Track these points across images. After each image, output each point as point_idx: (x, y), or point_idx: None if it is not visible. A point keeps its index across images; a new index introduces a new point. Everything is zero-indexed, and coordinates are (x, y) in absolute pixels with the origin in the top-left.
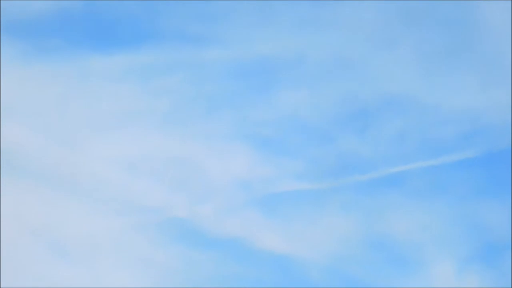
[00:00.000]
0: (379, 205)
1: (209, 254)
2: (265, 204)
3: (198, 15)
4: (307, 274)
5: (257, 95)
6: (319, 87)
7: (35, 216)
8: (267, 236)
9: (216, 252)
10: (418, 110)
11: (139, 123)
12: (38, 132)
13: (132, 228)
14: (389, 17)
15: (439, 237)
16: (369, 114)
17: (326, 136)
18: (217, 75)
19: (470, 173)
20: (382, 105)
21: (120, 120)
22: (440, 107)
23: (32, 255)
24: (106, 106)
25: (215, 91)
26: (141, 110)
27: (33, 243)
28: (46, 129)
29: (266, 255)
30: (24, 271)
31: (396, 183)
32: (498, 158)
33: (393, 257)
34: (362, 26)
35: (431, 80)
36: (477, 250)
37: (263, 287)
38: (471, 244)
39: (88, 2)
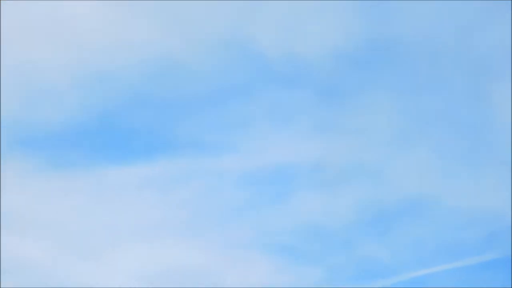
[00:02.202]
0: None
1: None
2: None
3: (214, 124)
4: None
5: (275, 203)
6: (336, 192)
7: None
8: None
9: None
10: (439, 212)
11: (156, 234)
12: (55, 246)
13: None
14: (406, 121)
15: None
16: (388, 218)
17: (346, 242)
18: (234, 183)
19: (494, 274)
20: (401, 209)
21: (137, 232)
22: (460, 208)
23: None
24: (123, 218)
25: (232, 200)
26: (158, 221)
27: None
28: (62, 243)
29: None
30: None
31: (427, 284)
32: None
33: None
34: (379, 130)
35: (450, 181)
36: None
37: None
38: None
39: (104, 115)
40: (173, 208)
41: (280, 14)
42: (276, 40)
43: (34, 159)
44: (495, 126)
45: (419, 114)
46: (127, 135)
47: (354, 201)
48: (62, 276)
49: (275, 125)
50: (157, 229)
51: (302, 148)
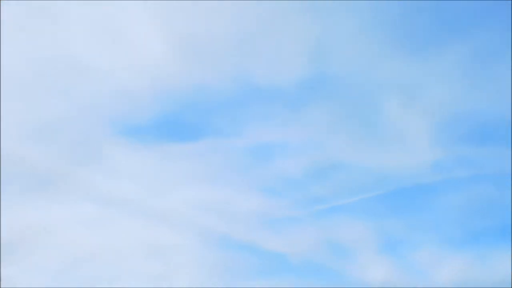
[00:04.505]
0: (333, 222)
1: (239, 253)
2: (271, 224)
3: (228, 120)
4: (290, 263)
5: (263, 164)
6: (298, 157)
7: (140, 237)
8: (271, 241)
9: (243, 252)
10: (351, 168)
11: (199, 179)
12: (142, 186)
13: (199, 240)
14: (332, 122)
15: (366, 241)
16: (324, 172)
17: (302, 185)
18: (240, 153)
19: (383, 203)
20: (332, 168)
21: (189, 179)
22: (365, 168)
23: (128, 256)
24: (180, 172)
25: (239, 163)
26: (200, 173)
27: (132, 252)
28: (146, 184)
29: (270, 253)
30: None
31: (342, 209)
32: (399, 194)
33: (339, 249)
34: (319, 123)
35: (356, 152)
36: (384, 245)
37: None
38: (380, 240)
39: (170, 113)
40: (208, 166)
41: (265, 56)
42: (261, 73)
43: (130, 142)
44: (383, 123)
45: (339, 118)
46: (182, 126)
47: (307, 163)
48: (145, 205)
49: (262, 122)
50: (197, 178)
51: (278, 134)
